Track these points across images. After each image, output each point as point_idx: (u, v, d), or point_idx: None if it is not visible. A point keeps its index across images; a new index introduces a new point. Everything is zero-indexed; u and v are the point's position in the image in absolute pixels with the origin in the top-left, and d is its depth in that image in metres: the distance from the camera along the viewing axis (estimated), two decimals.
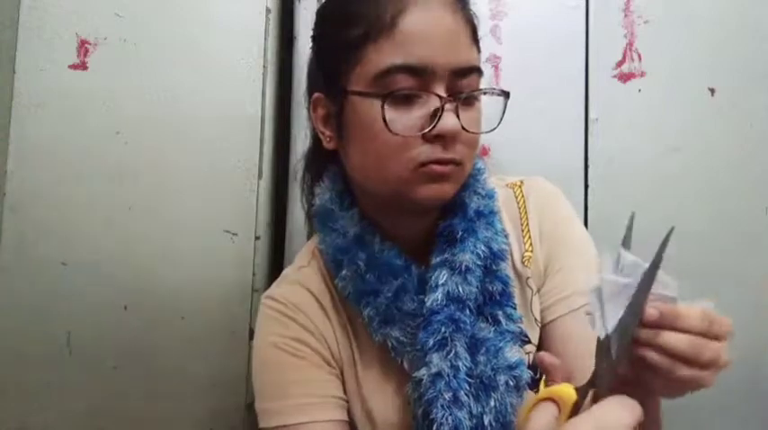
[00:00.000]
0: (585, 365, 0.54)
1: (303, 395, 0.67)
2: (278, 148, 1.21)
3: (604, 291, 0.43)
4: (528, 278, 0.70)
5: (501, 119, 0.64)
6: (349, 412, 0.69)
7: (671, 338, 0.42)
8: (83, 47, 1.16)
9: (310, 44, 0.71)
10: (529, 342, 0.68)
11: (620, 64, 1.16)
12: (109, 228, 1.13)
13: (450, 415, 0.60)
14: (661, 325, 0.42)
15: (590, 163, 1.15)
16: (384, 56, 0.59)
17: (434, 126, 0.59)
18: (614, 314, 0.43)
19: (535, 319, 0.69)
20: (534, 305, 0.70)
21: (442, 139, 0.60)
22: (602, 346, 0.44)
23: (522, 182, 0.76)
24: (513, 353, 0.64)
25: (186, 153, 1.15)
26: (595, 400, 0.42)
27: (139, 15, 1.16)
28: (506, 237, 0.69)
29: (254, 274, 1.14)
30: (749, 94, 1.15)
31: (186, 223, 1.14)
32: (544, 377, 0.57)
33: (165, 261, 1.14)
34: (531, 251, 0.70)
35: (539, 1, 1.16)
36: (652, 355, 0.43)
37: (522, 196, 0.74)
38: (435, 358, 0.61)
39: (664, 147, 1.15)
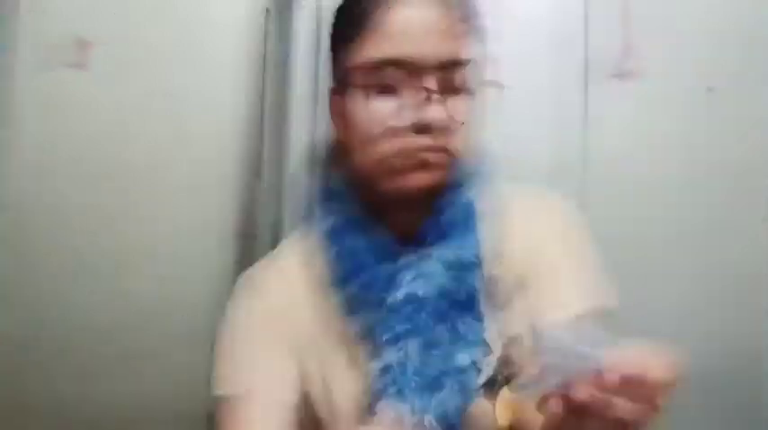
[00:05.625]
0: None
1: (253, 370, 0.72)
2: (278, 148, 1.21)
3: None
4: (499, 289, 0.70)
5: (483, 109, 0.69)
6: (309, 395, 0.72)
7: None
8: (83, 47, 1.16)
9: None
10: (491, 352, 0.68)
11: (619, 64, 1.16)
12: (109, 228, 1.13)
13: (393, 407, 0.64)
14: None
15: (590, 163, 1.15)
16: (372, 50, 0.65)
17: (416, 116, 0.63)
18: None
19: (499, 332, 0.69)
20: (505, 317, 0.70)
21: (426, 128, 0.64)
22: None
23: (520, 190, 0.76)
24: (464, 359, 0.66)
25: (186, 153, 1.15)
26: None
27: (139, 15, 1.16)
28: (482, 247, 0.70)
29: None
30: (748, 94, 1.15)
31: (186, 223, 1.14)
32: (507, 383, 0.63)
33: (164, 261, 1.14)
34: (510, 262, 0.70)
35: (538, 1, 1.17)
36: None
37: (515, 205, 0.74)
38: (386, 352, 0.65)
39: (663, 147, 1.15)
